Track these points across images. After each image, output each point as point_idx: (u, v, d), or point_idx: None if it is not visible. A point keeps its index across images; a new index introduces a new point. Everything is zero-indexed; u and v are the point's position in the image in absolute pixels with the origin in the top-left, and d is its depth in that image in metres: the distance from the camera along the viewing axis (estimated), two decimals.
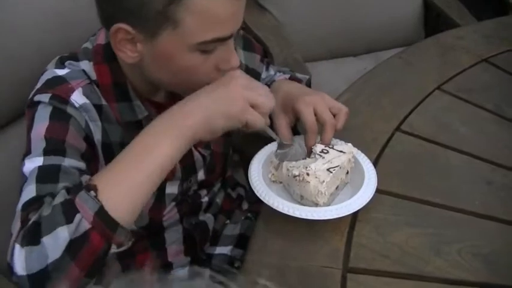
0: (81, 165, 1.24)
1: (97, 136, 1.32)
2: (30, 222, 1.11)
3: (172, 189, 1.49)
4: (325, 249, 1.31)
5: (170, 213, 1.53)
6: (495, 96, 1.77)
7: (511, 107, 1.73)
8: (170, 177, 1.45)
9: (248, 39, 1.63)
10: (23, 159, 1.23)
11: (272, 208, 1.33)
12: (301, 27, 2.59)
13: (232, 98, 1.23)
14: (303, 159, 1.39)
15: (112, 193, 1.14)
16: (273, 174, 1.43)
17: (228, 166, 1.72)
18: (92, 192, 1.12)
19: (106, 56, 1.32)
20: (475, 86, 1.82)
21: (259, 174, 1.41)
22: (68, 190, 1.15)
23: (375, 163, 1.48)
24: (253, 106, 1.23)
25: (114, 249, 1.15)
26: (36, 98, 1.28)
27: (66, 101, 1.27)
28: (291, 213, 1.31)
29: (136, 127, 1.32)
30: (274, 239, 1.34)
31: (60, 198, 1.13)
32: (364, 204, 1.34)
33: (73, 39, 1.48)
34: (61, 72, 1.32)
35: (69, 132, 1.25)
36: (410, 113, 1.68)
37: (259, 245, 1.33)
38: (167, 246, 1.57)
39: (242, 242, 1.63)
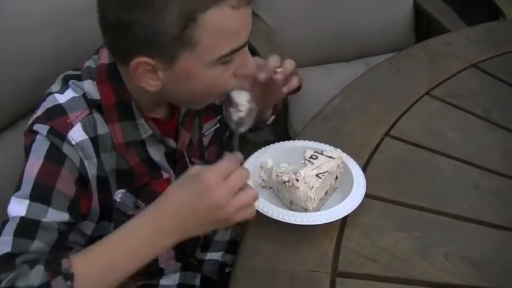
0: (64, 216, 1.25)
1: (92, 171, 1.32)
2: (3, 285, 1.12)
3: None
4: (315, 253, 1.32)
5: None
6: (484, 102, 1.79)
7: (499, 112, 1.74)
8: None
9: None
10: (14, 192, 1.24)
11: (262, 213, 1.34)
12: (292, 33, 2.61)
13: (222, 222, 1.22)
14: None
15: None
16: (263, 179, 1.45)
17: None
18: (69, 282, 1.13)
19: (110, 76, 1.32)
20: (464, 91, 1.84)
21: (249, 180, 1.42)
22: (47, 264, 1.15)
23: (364, 168, 1.50)
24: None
25: None
26: (35, 127, 1.28)
27: (64, 136, 1.27)
28: (280, 218, 1.32)
29: (137, 147, 1.35)
30: (264, 243, 1.35)
31: (37, 275, 1.13)
32: (353, 209, 1.36)
33: (72, 45, 1.51)
34: (61, 99, 1.31)
35: (61, 177, 1.26)
36: (399, 118, 1.69)
37: (249, 250, 1.34)
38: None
39: (233, 247, 1.64)
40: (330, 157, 1.42)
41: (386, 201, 1.44)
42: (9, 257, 1.16)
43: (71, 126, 1.28)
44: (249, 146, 1.63)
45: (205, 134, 1.56)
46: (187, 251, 1.61)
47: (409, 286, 1.27)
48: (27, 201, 1.22)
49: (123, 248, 1.21)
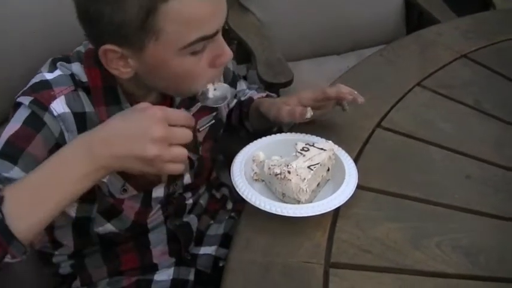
0: None
1: None
2: None
3: (158, 192, 1.51)
4: (308, 245, 1.32)
5: (155, 215, 1.55)
6: (475, 91, 1.80)
7: (490, 102, 1.75)
8: (156, 183, 1.48)
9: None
10: None
11: (255, 206, 1.34)
12: (284, 27, 2.61)
13: (148, 162, 1.19)
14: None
15: (16, 209, 1.15)
16: (255, 172, 1.45)
17: (214, 169, 1.75)
18: None
19: (97, 61, 1.32)
20: (455, 81, 1.85)
21: (241, 173, 1.42)
22: None
23: (356, 159, 1.50)
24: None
25: (8, 259, 1.15)
26: (19, 99, 1.30)
27: (46, 107, 1.30)
28: (273, 211, 1.33)
29: None
30: (257, 236, 1.35)
31: None
32: (345, 200, 1.36)
33: (58, 40, 1.51)
34: (49, 76, 1.34)
35: (35, 141, 1.28)
36: (390, 109, 1.70)
37: (242, 242, 1.34)
38: (152, 248, 1.58)
39: (226, 241, 1.64)
40: (322, 149, 1.42)
41: (378, 192, 1.44)
42: None
43: (54, 98, 1.31)
44: (240, 139, 1.64)
45: (200, 129, 1.57)
46: (181, 246, 1.61)
47: (402, 275, 1.27)
48: None
49: (55, 170, 1.19)
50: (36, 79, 1.34)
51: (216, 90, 1.35)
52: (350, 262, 1.29)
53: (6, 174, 1.24)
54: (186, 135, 1.21)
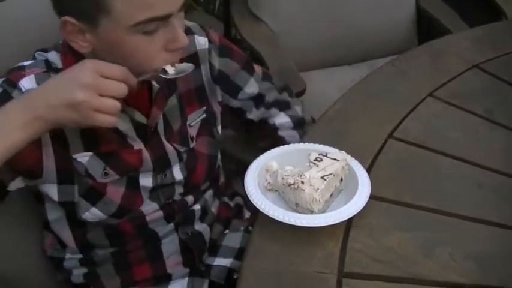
0: None
1: None
2: None
3: (146, 181, 1.51)
4: (321, 254, 1.33)
5: (154, 214, 1.56)
6: (486, 102, 1.80)
7: (501, 112, 1.76)
8: (138, 165, 1.49)
9: (226, 47, 1.66)
10: None
11: (268, 216, 1.36)
12: (296, 37, 2.62)
13: (75, 107, 1.22)
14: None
15: None
16: (268, 182, 1.46)
17: (220, 173, 1.75)
18: None
19: (72, 48, 1.37)
20: (467, 91, 1.85)
21: (255, 183, 1.44)
22: None
23: (369, 170, 1.51)
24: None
25: None
26: None
27: (15, 84, 1.35)
28: (286, 220, 1.34)
29: None
30: (270, 245, 1.37)
31: None
32: (358, 210, 1.37)
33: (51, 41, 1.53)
34: (26, 63, 1.41)
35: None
36: (403, 119, 1.70)
37: (256, 251, 1.36)
38: (165, 259, 1.60)
39: (242, 254, 1.66)
40: (335, 159, 1.43)
41: (390, 202, 1.45)
42: None
43: (23, 76, 1.37)
44: (256, 149, 1.66)
45: (192, 124, 1.59)
46: (195, 256, 1.63)
47: (415, 286, 1.28)
48: None
49: None
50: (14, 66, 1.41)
51: (175, 68, 1.38)
52: (363, 272, 1.30)
53: None
54: (118, 87, 1.25)
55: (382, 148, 1.60)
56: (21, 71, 1.38)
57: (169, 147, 1.54)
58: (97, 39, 1.31)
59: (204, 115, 1.61)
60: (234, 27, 2.90)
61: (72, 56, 1.38)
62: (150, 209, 1.55)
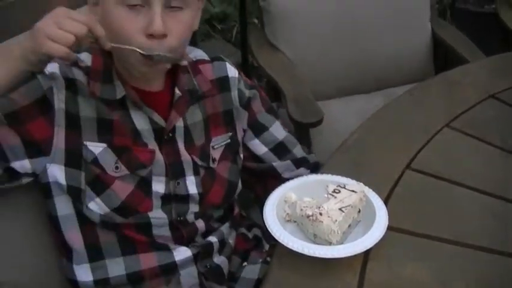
0: None
1: (60, 104, 1.47)
2: None
3: (159, 186, 1.54)
4: (339, 286, 1.34)
5: (161, 227, 1.56)
6: (502, 131, 1.82)
7: None
8: (148, 164, 1.53)
9: (254, 86, 1.74)
10: None
11: (287, 247, 1.37)
12: (313, 66, 2.65)
13: (34, 33, 1.30)
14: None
15: None
16: (287, 213, 1.48)
17: (235, 204, 1.76)
18: None
19: (102, 51, 1.48)
20: (483, 121, 1.87)
21: (273, 214, 1.46)
22: None
23: (386, 201, 1.52)
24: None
25: None
26: None
27: (42, 70, 1.45)
28: (305, 252, 1.35)
29: (114, 105, 1.50)
30: (289, 276, 1.38)
31: None
32: (375, 241, 1.38)
33: None
34: None
35: (19, 90, 1.42)
36: (420, 150, 1.72)
37: (274, 282, 1.37)
38: None
39: (261, 286, 1.67)
40: (353, 191, 1.45)
41: (408, 233, 1.46)
42: None
43: (49, 61, 1.41)
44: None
45: (215, 147, 1.62)
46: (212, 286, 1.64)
47: None
48: None
49: None
50: None
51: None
52: None
53: None
54: (77, 25, 1.30)
55: (400, 179, 1.61)
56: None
57: (185, 156, 1.57)
58: (100, 12, 1.44)
59: (229, 140, 1.65)
60: (251, 55, 2.93)
61: (101, 57, 1.51)
62: (158, 218, 1.55)
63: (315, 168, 1.74)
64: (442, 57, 2.83)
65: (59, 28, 1.28)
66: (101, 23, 1.40)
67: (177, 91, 1.55)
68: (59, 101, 1.47)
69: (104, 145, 1.49)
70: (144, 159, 1.52)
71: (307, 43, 2.66)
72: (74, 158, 1.49)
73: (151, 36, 1.40)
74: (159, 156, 1.54)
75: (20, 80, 1.37)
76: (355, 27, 2.71)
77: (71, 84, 1.48)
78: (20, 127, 1.44)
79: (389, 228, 1.43)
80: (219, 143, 1.64)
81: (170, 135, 1.56)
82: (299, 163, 1.75)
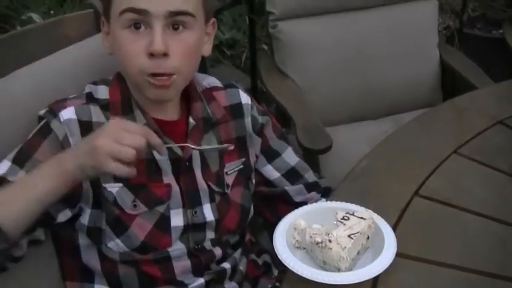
0: None
1: None
2: None
3: (177, 220, 1.55)
4: None
5: (180, 261, 1.58)
6: (510, 158, 1.82)
7: None
8: (166, 199, 1.54)
9: (266, 113, 1.76)
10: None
11: (296, 274, 1.38)
12: (321, 92, 2.68)
13: (93, 151, 1.31)
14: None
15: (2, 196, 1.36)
16: (296, 240, 1.49)
17: (246, 230, 1.78)
18: None
19: (118, 77, 1.57)
20: (491, 148, 1.88)
21: (283, 240, 1.47)
22: None
23: (395, 227, 1.53)
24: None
25: None
26: (40, 112, 1.53)
27: (55, 114, 1.50)
28: (314, 278, 1.36)
29: None
30: None
31: None
32: (384, 268, 1.39)
33: None
34: (71, 96, 1.56)
35: (41, 147, 1.47)
36: (428, 177, 1.73)
37: None
38: None
39: None
40: (361, 218, 1.46)
41: (416, 259, 1.47)
42: None
43: (64, 107, 1.51)
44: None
45: (228, 172, 1.64)
46: None
47: None
48: (9, 163, 1.47)
49: (28, 179, 1.40)
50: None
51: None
52: None
53: (11, 178, 1.44)
54: (137, 138, 1.32)
55: (408, 206, 1.62)
56: (63, 102, 1.52)
57: (202, 184, 1.59)
58: (111, 39, 1.51)
59: (242, 166, 1.67)
60: (260, 81, 2.96)
61: (118, 86, 1.55)
62: (177, 250, 1.57)
63: (326, 192, 1.76)
64: (450, 83, 2.84)
65: (119, 143, 1.30)
66: (113, 50, 1.49)
67: (191, 120, 1.58)
68: None
69: (120, 184, 1.51)
70: (161, 194, 1.53)
71: (316, 70, 2.69)
72: (98, 200, 1.51)
73: (152, 55, 1.43)
74: (175, 189, 1.55)
75: (69, 188, 1.39)
76: (363, 54, 2.74)
77: (86, 128, 1.49)
78: None
79: (398, 254, 1.43)
80: (232, 168, 1.65)
81: (187, 164, 1.57)
82: (311, 187, 1.78)
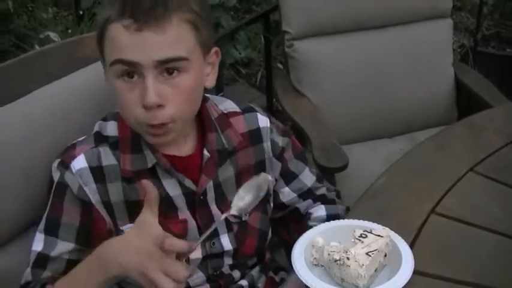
0: (69, 246, 1.49)
1: (95, 197, 1.50)
2: None
3: (196, 253, 1.53)
4: None
5: (202, 287, 1.60)
6: None
7: None
8: (183, 235, 1.54)
9: (287, 132, 1.75)
10: (39, 222, 1.51)
11: None
12: (337, 110, 2.70)
13: (139, 274, 1.34)
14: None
15: None
16: (314, 258, 1.51)
17: (266, 249, 1.79)
18: None
19: None
20: (506, 166, 1.88)
21: (301, 258, 1.48)
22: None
23: (412, 245, 1.54)
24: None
25: None
26: (54, 163, 1.52)
27: (67, 166, 1.49)
28: None
29: (148, 175, 1.50)
30: None
31: None
32: (402, 285, 1.40)
33: None
34: (79, 139, 1.55)
35: (65, 211, 1.49)
36: (444, 195, 1.74)
37: None
38: None
39: None
40: (379, 235, 1.48)
41: (433, 277, 1.48)
42: (28, 284, 1.49)
43: (74, 157, 1.50)
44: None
45: None
46: None
47: None
48: (43, 236, 1.50)
49: (76, 275, 1.44)
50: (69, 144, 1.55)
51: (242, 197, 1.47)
52: None
53: (52, 253, 1.48)
54: (180, 273, 1.33)
55: (424, 224, 1.63)
56: (72, 151, 1.51)
57: (218, 216, 1.56)
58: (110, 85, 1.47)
59: None
60: (276, 99, 2.98)
61: (128, 123, 1.50)
62: (197, 278, 1.58)
63: (331, 203, 1.79)
64: (465, 101, 2.86)
65: (167, 274, 1.31)
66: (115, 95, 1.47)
67: (205, 152, 1.55)
68: (92, 194, 1.49)
69: None
70: (178, 231, 1.52)
71: (331, 89, 2.72)
72: None
73: (147, 107, 1.41)
74: (191, 224, 1.55)
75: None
76: (378, 73, 2.76)
77: (99, 174, 1.50)
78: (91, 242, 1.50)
79: (416, 272, 1.44)
80: None
81: (201, 197, 1.57)
82: (317, 199, 1.79)
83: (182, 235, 1.53)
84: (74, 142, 1.54)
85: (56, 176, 1.50)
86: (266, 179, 1.49)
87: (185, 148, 1.57)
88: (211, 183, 1.57)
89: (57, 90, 1.69)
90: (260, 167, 1.65)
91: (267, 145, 1.66)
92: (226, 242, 1.60)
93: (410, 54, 2.80)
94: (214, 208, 1.58)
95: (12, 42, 3.61)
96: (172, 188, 1.53)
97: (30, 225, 1.59)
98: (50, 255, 1.48)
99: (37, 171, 1.57)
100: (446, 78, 2.85)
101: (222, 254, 1.61)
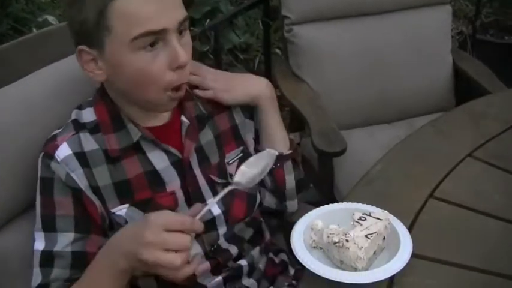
0: (71, 236, 1.49)
1: (83, 183, 1.50)
2: None
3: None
4: None
5: (201, 263, 1.60)
6: None
7: None
8: (174, 207, 1.56)
9: None
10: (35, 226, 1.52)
11: (313, 273, 1.40)
12: (336, 96, 2.70)
13: (141, 262, 1.34)
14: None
15: None
16: (313, 240, 1.51)
17: (265, 229, 1.81)
18: None
19: (101, 95, 1.55)
20: (506, 152, 1.88)
21: (300, 240, 1.49)
22: None
23: (410, 229, 1.54)
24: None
25: None
26: (39, 159, 1.53)
27: (52, 156, 1.50)
28: (331, 277, 1.38)
29: (133, 151, 1.53)
30: None
31: None
32: (401, 268, 1.40)
33: None
34: (57, 130, 1.55)
35: (57, 205, 1.49)
36: (443, 180, 1.74)
37: None
38: None
39: None
40: (378, 218, 1.48)
41: (432, 260, 1.48)
42: (42, 286, 1.48)
43: (57, 146, 1.51)
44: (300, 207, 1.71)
45: (230, 162, 1.66)
46: None
47: None
48: (42, 233, 1.50)
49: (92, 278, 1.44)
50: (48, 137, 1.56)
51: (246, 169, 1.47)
52: None
53: (55, 249, 1.49)
54: (182, 240, 1.33)
55: (423, 208, 1.63)
56: (54, 142, 1.52)
57: (202, 180, 1.60)
58: (107, 64, 1.44)
59: (241, 154, 1.69)
60: (275, 85, 2.97)
61: (103, 102, 1.53)
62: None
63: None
64: (464, 88, 2.86)
65: (165, 251, 1.32)
66: (115, 73, 1.46)
67: (184, 119, 1.58)
68: (80, 180, 1.50)
69: (127, 205, 1.52)
70: (168, 204, 1.54)
71: (331, 74, 2.72)
72: (112, 226, 1.53)
73: (178, 68, 1.43)
74: (179, 194, 1.57)
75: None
76: (377, 59, 2.76)
77: (83, 159, 1.51)
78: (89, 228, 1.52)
79: (414, 255, 1.45)
80: (232, 158, 1.68)
81: (188, 164, 1.59)
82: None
83: (172, 207, 1.55)
84: (53, 134, 1.55)
85: (41, 170, 1.51)
86: (272, 154, 1.51)
87: (161, 118, 1.59)
88: (192, 149, 1.59)
89: (56, 72, 1.70)
90: (235, 130, 1.71)
91: (237, 109, 1.71)
92: (213, 206, 1.61)
93: (409, 40, 2.80)
94: (198, 173, 1.60)
95: (10, 25, 3.60)
96: (160, 161, 1.55)
97: (29, 205, 1.60)
98: (54, 251, 1.48)
99: (36, 152, 1.56)
100: (444, 65, 2.85)
101: (213, 220, 1.62)
